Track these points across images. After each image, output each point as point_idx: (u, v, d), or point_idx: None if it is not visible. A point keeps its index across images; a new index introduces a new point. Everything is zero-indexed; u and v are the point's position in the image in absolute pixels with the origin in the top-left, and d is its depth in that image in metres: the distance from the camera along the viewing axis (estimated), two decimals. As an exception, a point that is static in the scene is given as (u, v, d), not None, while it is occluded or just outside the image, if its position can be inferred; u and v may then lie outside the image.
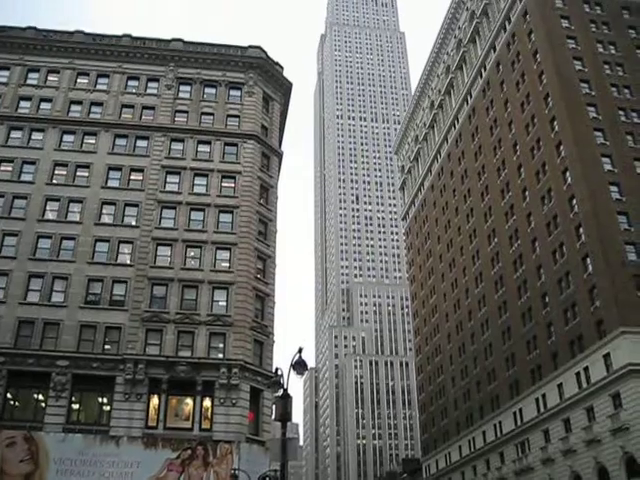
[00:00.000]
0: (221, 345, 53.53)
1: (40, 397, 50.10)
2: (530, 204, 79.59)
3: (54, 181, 59.52)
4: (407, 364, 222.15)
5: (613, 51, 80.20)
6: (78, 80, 66.10)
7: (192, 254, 57.50)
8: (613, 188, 68.70)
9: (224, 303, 55.36)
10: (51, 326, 51.97)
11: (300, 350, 25.88)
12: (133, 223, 58.24)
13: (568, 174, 71.73)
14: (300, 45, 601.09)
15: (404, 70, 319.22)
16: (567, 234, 70.68)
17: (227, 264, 57.30)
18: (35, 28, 68.02)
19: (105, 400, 50.65)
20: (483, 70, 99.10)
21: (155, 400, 50.37)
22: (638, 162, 71.16)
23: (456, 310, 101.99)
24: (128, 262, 56.16)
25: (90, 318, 52.69)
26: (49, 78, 65.79)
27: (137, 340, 52.25)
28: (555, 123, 75.40)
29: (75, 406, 50.21)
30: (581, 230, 68.38)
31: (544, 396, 72.60)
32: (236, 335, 53.72)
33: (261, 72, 69.13)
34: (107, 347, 52.12)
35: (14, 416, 49.03)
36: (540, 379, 73.93)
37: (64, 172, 60.05)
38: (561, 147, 73.71)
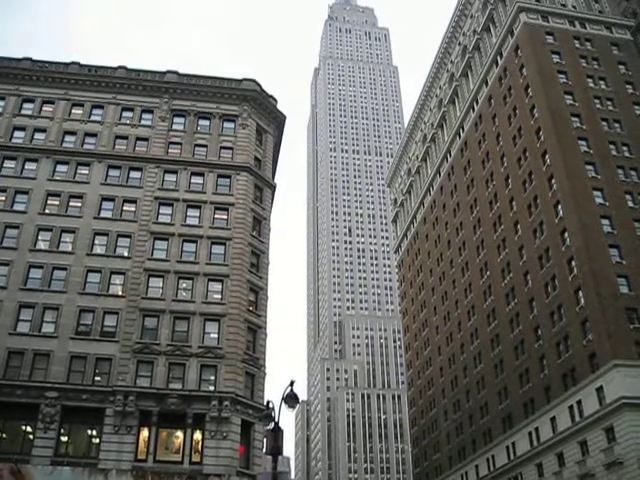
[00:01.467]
0: (212, 377, 53.13)
1: (28, 429, 49.37)
2: (522, 237, 79.86)
3: (47, 211, 59.47)
4: (399, 397, 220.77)
5: (603, 86, 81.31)
6: (73, 111, 66.44)
7: (184, 285, 57.32)
8: (605, 221, 69.17)
9: (215, 335, 55.08)
10: (41, 357, 51.51)
11: (292, 383, 25.72)
12: (125, 254, 58.11)
13: (560, 207, 72.15)
14: (294, 78, 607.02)
15: (397, 103, 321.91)
16: (559, 267, 70.85)
17: (219, 296, 57.12)
18: (31, 59, 68.43)
19: (94, 432, 50.03)
20: (475, 104, 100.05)
21: (145, 433, 49.79)
22: (629, 195, 71.84)
23: (448, 343, 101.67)
24: (120, 293, 55.93)
25: (80, 349, 52.28)
26: (44, 108, 66.11)
27: (128, 372, 51.82)
28: (547, 157, 76.02)
29: (64, 438, 49.52)
30: (573, 263, 68.58)
31: (537, 430, 72.13)
32: (227, 367, 53.35)
33: (255, 105, 69.63)
34: (97, 379, 51.64)
35: (1, 449, 48.22)
36: (533, 412, 73.52)
37: (57, 202, 60.05)
38: (553, 180, 74.23)
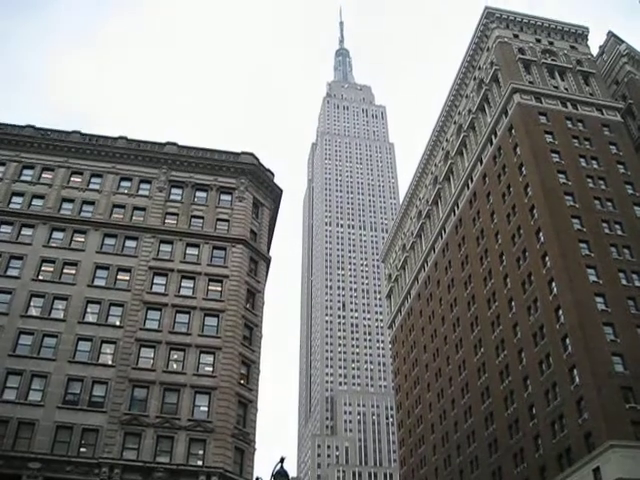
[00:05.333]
0: (201, 452, 52.09)
1: (8, 501, 48.04)
2: (516, 314, 79.67)
3: (40, 277, 59.38)
4: (391, 476, 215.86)
5: (595, 165, 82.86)
6: (72, 179, 67.14)
7: (175, 357, 56.78)
8: (599, 299, 69.28)
9: (206, 408, 54.29)
10: (26, 426, 50.52)
11: (282, 459, 25.32)
12: (117, 323, 57.72)
13: (554, 285, 72.29)
14: (292, 152, 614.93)
15: (393, 179, 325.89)
16: (553, 345, 70.46)
17: (210, 368, 56.53)
18: (34, 127, 69.48)
19: (77, 507, 48.62)
20: (470, 182, 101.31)
21: (129, 508, 48.45)
22: (622, 273, 72.18)
23: (442, 421, 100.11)
24: (110, 362, 55.31)
25: (67, 419, 51.36)
26: (43, 175, 66.84)
27: (114, 444, 50.76)
28: (541, 234, 76.63)
29: (44, 512, 48.09)
30: (567, 341, 68.28)
31: (532, 513, 70.35)
32: (217, 442, 52.36)
33: (252, 178, 70.35)
34: (82, 450, 50.52)
35: (-21, 522, 46.91)
36: (528, 494, 71.81)
37: (51, 269, 60.03)
38: (547, 258, 74.61)
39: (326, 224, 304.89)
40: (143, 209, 66.30)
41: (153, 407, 53.10)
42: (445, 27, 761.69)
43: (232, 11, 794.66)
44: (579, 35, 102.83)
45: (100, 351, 55.85)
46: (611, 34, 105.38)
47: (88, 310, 58.16)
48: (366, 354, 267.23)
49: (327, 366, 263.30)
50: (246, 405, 56.88)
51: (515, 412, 76.84)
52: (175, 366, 56.21)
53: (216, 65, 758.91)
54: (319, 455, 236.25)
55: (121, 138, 70.41)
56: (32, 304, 57.60)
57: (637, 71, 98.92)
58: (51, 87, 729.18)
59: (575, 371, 66.30)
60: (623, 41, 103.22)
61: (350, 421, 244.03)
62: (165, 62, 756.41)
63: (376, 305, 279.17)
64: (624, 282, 71.60)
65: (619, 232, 76.44)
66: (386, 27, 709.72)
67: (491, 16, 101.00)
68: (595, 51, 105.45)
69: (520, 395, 76.16)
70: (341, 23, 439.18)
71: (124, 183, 68.02)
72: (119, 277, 60.89)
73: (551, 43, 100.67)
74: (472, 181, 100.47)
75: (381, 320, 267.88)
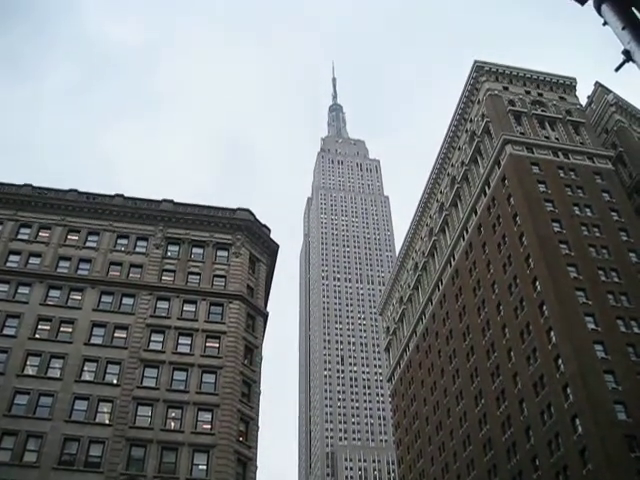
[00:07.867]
0: (200, 512, 51.16)
1: None
2: (516, 364, 79.13)
3: (37, 336, 59.14)
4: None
5: (589, 213, 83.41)
6: (68, 237, 67.38)
7: (173, 415, 56.22)
8: (598, 347, 68.91)
9: (204, 467, 53.55)
10: (20, 489, 49.66)
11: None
12: (114, 381, 57.25)
13: (552, 333, 72.00)
14: (287, 207, 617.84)
15: (388, 232, 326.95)
16: (555, 394, 69.81)
17: (209, 426, 55.97)
18: (31, 185, 69.95)
19: None
20: (465, 233, 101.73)
21: None
22: (621, 320, 71.94)
23: (444, 475, 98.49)
24: (107, 421, 54.69)
25: (63, 480, 50.48)
26: (40, 234, 67.09)
27: (112, 505, 49.85)
28: (537, 283, 76.64)
29: None
30: (568, 390, 67.65)
31: None
32: (216, 501, 51.45)
33: (248, 234, 70.65)
34: (79, 513, 49.58)
35: None
36: None
37: (48, 327, 59.81)
38: (544, 307, 74.47)
39: (323, 278, 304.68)
40: (140, 266, 66.40)
41: (151, 466, 52.31)
42: (437, 80, 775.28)
43: (225, 68, 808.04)
44: (567, 86, 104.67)
45: (97, 410, 55.28)
46: (598, 84, 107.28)
47: (85, 368, 57.76)
48: (366, 408, 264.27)
49: (327, 421, 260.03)
50: (245, 463, 56.07)
51: (518, 464, 75.71)
52: (173, 424, 55.60)
53: (210, 123, 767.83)
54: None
55: (118, 196, 70.94)
56: (28, 363, 57.22)
57: (625, 120, 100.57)
58: (50, 147, 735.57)
59: (577, 420, 65.55)
60: (610, 91, 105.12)
61: (351, 477, 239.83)
62: (161, 118, 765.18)
63: (375, 358, 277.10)
64: (623, 329, 71.36)
65: (615, 279, 76.53)
66: (379, 82, 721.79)
67: (481, 69, 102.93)
68: (584, 101, 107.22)
69: (523, 446, 75.16)
70: (334, 79, 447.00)
71: (121, 240, 68.28)
72: (116, 335, 60.65)
73: (540, 94, 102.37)
74: (467, 232, 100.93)
75: (380, 373, 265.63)
